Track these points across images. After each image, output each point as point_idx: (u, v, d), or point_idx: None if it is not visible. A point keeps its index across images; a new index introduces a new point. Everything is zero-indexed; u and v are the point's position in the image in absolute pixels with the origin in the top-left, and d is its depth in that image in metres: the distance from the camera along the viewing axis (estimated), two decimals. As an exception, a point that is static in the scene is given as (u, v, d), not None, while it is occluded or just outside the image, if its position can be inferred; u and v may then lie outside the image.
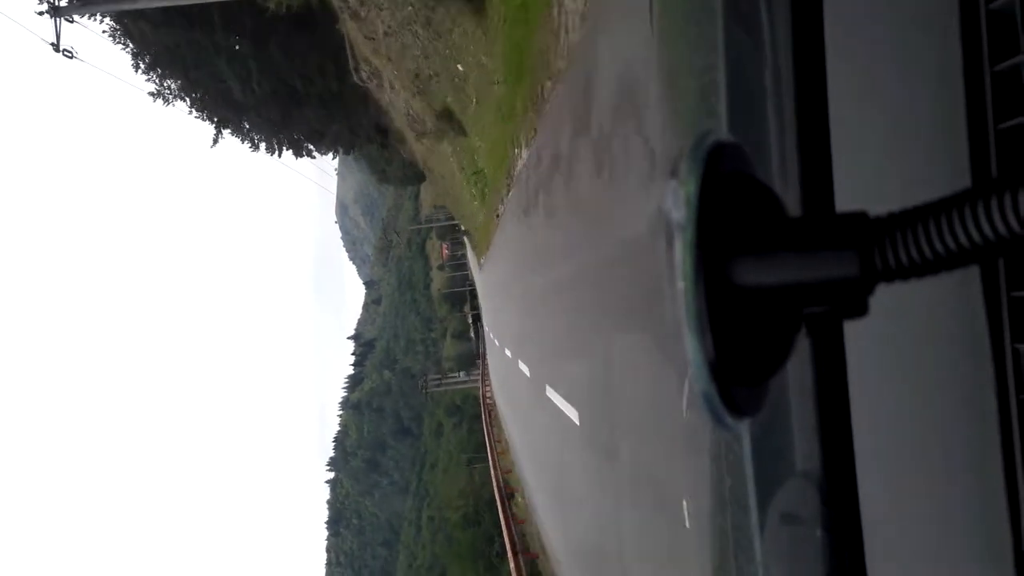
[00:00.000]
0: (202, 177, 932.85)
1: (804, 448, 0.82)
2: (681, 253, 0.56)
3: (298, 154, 56.92)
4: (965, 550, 0.79)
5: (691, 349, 0.56)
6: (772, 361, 0.61)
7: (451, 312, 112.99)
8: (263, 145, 52.89)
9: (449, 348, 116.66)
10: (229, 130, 45.02)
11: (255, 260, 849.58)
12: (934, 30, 0.78)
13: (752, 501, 0.91)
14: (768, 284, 0.57)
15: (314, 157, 57.32)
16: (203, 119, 42.83)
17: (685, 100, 1.13)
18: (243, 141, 52.41)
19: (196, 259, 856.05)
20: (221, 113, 40.81)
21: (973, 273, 0.73)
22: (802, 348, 0.71)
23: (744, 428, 0.87)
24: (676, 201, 0.57)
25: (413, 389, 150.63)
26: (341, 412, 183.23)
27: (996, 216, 0.48)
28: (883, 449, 0.85)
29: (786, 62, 0.80)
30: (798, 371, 0.77)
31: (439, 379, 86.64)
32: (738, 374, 0.58)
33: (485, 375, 47.47)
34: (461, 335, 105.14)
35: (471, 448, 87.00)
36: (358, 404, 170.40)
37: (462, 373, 77.95)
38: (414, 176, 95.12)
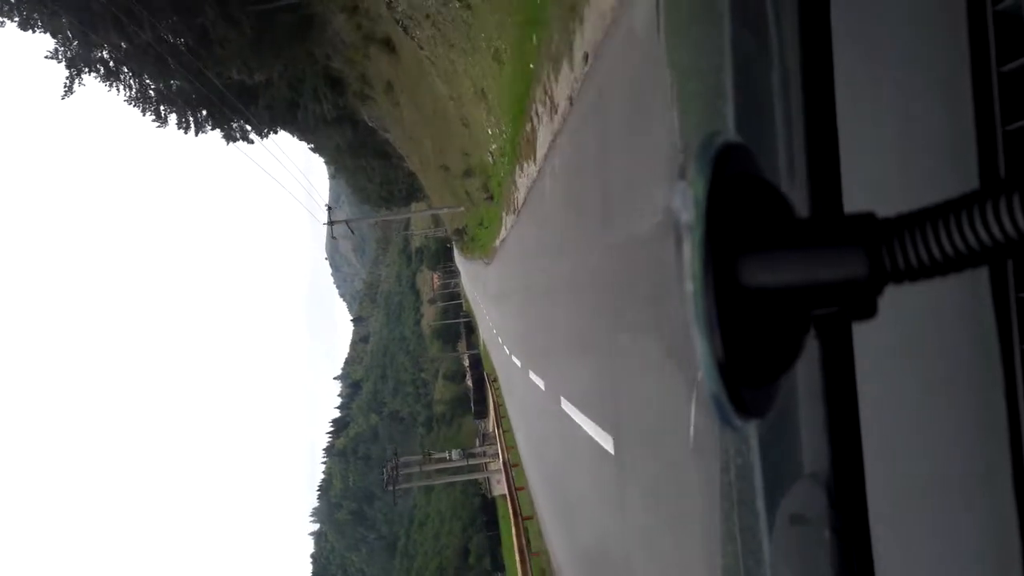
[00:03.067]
0: (189, 207, 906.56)
1: (812, 449, 0.82)
2: (690, 254, 0.55)
3: (229, 134, 41.76)
4: (973, 552, 0.78)
5: (700, 350, 0.55)
6: (781, 362, 0.60)
7: (443, 350, 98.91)
8: (172, 116, 37.76)
9: (441, 390, 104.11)
10: (97, 75, 29.46)
11: (247, 297, 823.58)
12: (941, 31, 0.78)
13: (760, 502, 0.90)
14: (777, 285, 0.56)
15: (251, 141, 42.12)
16: (55, 57, 27.75)
17: (693, 102, 1.12)
18: (145, 110, 37.25)
19: (180, 291, 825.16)
20: (66, 30, 25.12)
21: (981, 274, 0.72)
22: (811, 349, 0.72)
23: (752, 429, 0.87)
24: (685, 202, 0.56)
25: (402, 435, 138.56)
26: (325, 459, 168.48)
27: (1004, 217, 0.47)
28: (892, 451, 0.85)
29: (793, 63, 0.80)
30: (807, 372, 0.77)
31: (419, 462, 53.73)
32: (747, 375, 0.57)
33: (495, 448, 32.49)
34: (454, 376, 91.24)
35: (466, 516, 71.62)
36: (343, 451, 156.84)
37: (455, 452, 50.39)
38: (402, 194, 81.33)
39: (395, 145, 40.99)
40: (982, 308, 0.72)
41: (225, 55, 27.56)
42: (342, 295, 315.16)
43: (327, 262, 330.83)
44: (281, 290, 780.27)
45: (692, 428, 1.18)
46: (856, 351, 0.77)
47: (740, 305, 0.55)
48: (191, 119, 35.96)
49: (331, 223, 27.50)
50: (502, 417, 30.78)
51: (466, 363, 70.57)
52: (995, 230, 0.48)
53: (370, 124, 38.13)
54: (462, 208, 30.70)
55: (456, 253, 59.56)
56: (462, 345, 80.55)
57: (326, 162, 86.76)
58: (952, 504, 0.81)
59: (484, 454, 45.03)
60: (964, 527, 0.79)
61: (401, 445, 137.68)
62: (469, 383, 63.88)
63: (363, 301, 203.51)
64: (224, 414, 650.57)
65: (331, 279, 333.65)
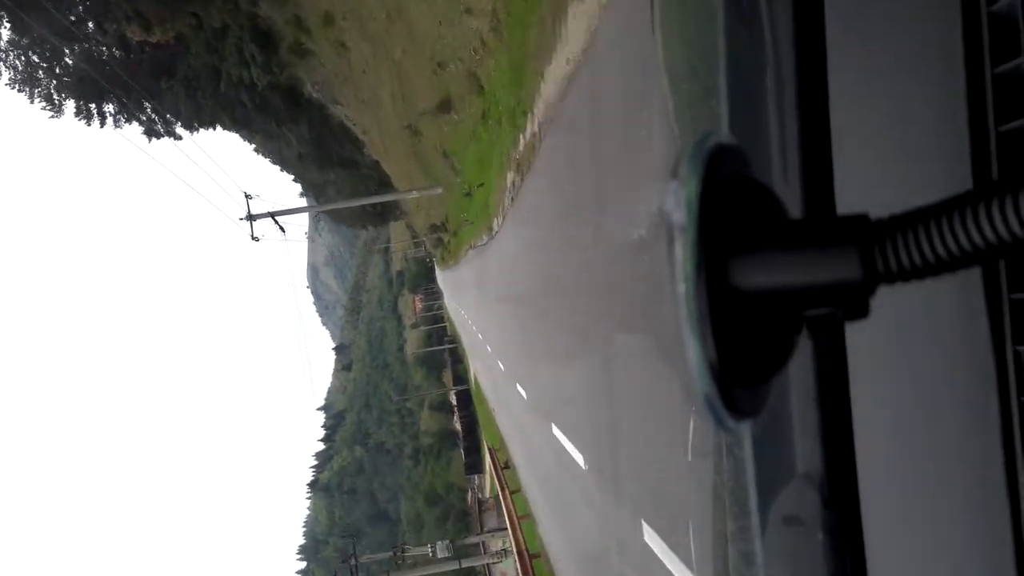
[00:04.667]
0: (173, 252, 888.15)
1: (806, 450, 0.82)
2: (682, 255, 0.55)
3: (150, 129, 33.98)
4: (966, 552, 0.78)
5: (692, 351, 0.55)
6: (773, 363, 0.60)
7: (427, 378, 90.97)
8: (70, 103, 29.95)
9: (428, 421, 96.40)
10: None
11: (225, 328, 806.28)
12: (935, 32, 0.77)
13: (753, 503, 0.90)
14: (769, 286, 0.56)
15: (178, 136, 34.37)
16: None
17: (686, 101, 1.10)
18: (33, 96, 29.44)
19: (150, 323, 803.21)
20: None
21: (974, 275, 0.72)
22: (803, 350, 0.71)
23: (745, 430, 0.86)
24: (677, 203, 0.56)
25: (389, 466, 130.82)
26: (309, 495, 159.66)
27: (997, 218, 0.47)
28: (885, 451, 0.84)
29: (788, 64, 0.80)
30: (800, 373, 0.77)
31: (389, 565, 36.96)
32: (739, 376, 0.57)
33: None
34: (441, 407, 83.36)
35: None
36: (328, 486, 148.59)
37: (440, 546, 34.33)
38: (376, 209, 73.81)
39: (350, 123, 33.40)
40: (975, 309, 0.72)
41: (110, 4, 19.94)
42: (324, 323, 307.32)
43: (309, 290, 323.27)
44: (262, 321, 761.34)
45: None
46: (849, 352, 0.77)
47: (732, 306, 0.55)
48: (93, 108, 28.11)
49: (251, 218, 19.86)
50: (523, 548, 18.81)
51: (453, 399, 60.71)
52: (988, 231, 0.47)
53: (315, 95, 30.56)
54: (439, 190, 23.21)
55: (437, 271, 51.79)
56: (447, 375, 72.07)
57: (294, 179, 79.15)
58: (945, 504, 0.80)
59: (483, 548, 31.63)
60: (957, 527, 0.78)
61: (386, 477, 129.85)
62: (457, 425, 54.35)
63: (345, 328, 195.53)
64: (204, 447, 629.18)
65: (313, 307, 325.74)
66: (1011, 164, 0.71)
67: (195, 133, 35.15)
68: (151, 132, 32.36)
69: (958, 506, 0.77)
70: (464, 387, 50.28)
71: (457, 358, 57.69)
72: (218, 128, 40.22)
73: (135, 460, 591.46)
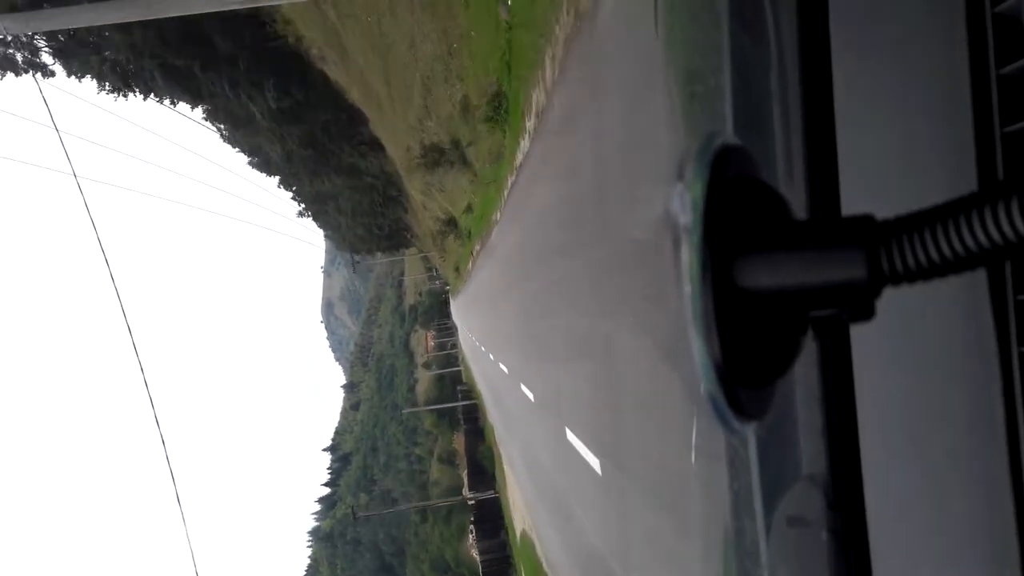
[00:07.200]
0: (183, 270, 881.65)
1: (811, 451, 0.81)
2: (688, 256, 0.54)
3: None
4: (971, 552, 0.77)
5: (698, 351, 0.54)
6: (778, 364, 0.59)
7: (438, 425, 78.73)
8: None
9: (437, 473, 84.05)
10: None
11: (235, 356, 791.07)
12: (940, 33, 0.76)
13: (758, 504, 0.88)
14: (775, 287, 0.55)
15: (50, 72, 23.04)
16: None
17: (691, 103, 1.08)
18: None
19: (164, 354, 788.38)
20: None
21: (980, 276, 0.71)
22: (809, 351, 0.70)
23: (751, 431, 0.84)
24: (683, 204, 0.55)
25: (395, 517, 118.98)
26: (311, 543, 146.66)
27: (1003, 219, 0.46)
28: (889, 452, 0.83)
29: (792, 65, 0.78)
30: (805, 374, 0.76)
31: None
32: (745, 376, 0.56)
33: None
34: (450, 459, 71.24)
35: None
36: (330, 535, 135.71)
37: None
38: (384, 232, 62.66)
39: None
40: (980, 310, 0.71)
41: None
42: (337, 359, 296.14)
43: (323, 325, 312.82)
44: (273, 352, 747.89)
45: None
46: (854, 353, 0.76)
47: (738, 307, 0.54)
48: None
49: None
50: None
51: (467, 493, 45.78)
52: (993, 232, 0.46)
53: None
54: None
55: (452, 302, 40.28)
56: (460, 442, 57.93)
57: (293, 196, 67.88)
58: (950, 505, 0.79)
59: None
60: (962, 527, 0.77)
61: (392, 528, 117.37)
62: (473, 552, 39.75)
63: (355, 365, 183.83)
64: (204, 485, 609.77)
65: (327, 343, 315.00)
66: (1016, 165, 0.69)
67: (114, 94, 23.86)
68: (31, 70, 21.04)
69: (963, 507, 0.76)
70: (491, 493, 31.24)
71: (476, 427, 44.35)
72: (166, 101, 28.94)
73: (127, 486, 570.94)
